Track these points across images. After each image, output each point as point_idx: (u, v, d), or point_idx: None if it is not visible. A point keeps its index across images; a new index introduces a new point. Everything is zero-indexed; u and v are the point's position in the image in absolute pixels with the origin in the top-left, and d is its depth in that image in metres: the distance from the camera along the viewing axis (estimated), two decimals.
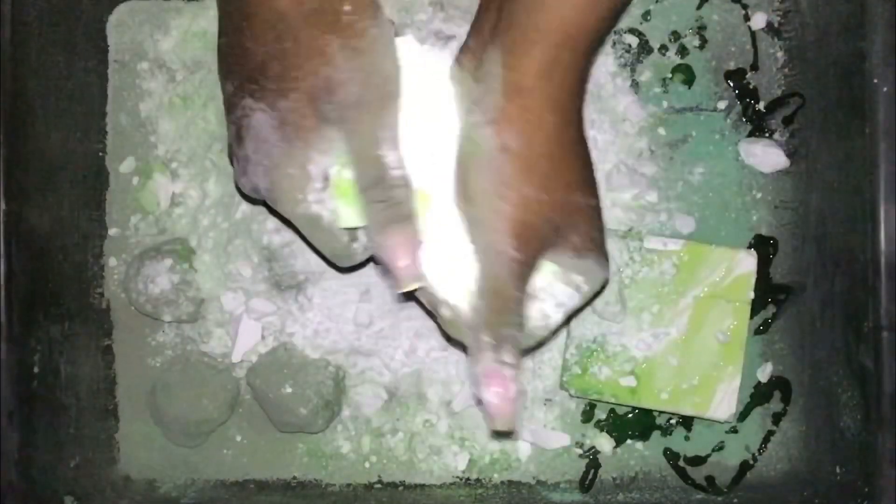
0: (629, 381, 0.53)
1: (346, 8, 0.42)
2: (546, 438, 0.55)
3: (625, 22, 0.56)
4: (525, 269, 0.42)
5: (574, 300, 0.45)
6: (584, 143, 0.44)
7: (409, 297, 0.48)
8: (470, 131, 0.43)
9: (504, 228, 0.41)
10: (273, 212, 0.51)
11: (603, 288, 0.48)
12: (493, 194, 0.41)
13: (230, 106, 0.45)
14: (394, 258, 0.42)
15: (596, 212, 0.44)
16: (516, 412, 0.42)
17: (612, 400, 0.53)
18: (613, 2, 0.42)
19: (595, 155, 0.54)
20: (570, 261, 0.44)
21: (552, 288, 0.44)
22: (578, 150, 0.43)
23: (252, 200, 0.54)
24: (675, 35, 0.56)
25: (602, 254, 0.44)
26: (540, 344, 0.48)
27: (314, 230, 0.45)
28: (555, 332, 0.46)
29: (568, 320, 0.47)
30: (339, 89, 0.42)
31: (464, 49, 0.45)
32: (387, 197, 0.42)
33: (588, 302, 0.47)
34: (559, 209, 0.42)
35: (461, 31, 0.55)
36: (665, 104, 0.56)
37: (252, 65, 0.43)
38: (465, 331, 0.44)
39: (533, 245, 0.42)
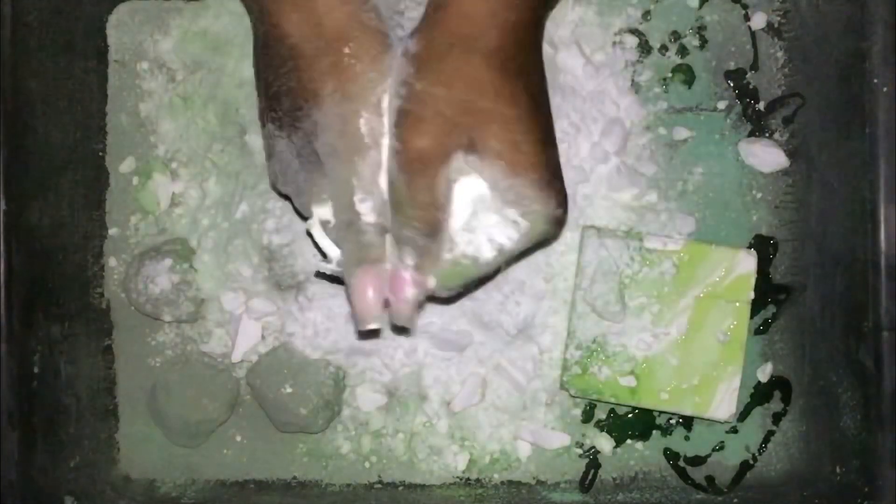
0: (629, 381, 0.52)
1: (347, 50, 0.42)
2: (546, 438, 0.55)
3: (625, 22, 0.56)
4: (420, 165, 0.41)
5: (512, 239, 0.43)
6: (527, 65, 0.43)
7: (370, 334, 0.50)
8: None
9: (398, 123, 0.42)
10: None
11: (555, 232, 0.45)
12: (394, 95, 0.42)
13: (260, 119, 0.47)
14: (355, 297, 0.43)
15: (521, 122, 0.42)
16: (413, 311, 0.43)
17: (612, 400, 0.53)
18: None
19: (595, 155, 0.54)
20: (503, 182, 0.42)
21: (484, 219, 0.43)
22: (506, 63, 0.42)
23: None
24: (675, 35, 0.56)
25: (541, 180, 0.42)
26: (478, 283, 0.46)
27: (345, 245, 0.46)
28: (493, 272, 0.45)
29: (511, 263, 0.46)
30: (321, 134, 0.43)
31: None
32: (356, 241, 0.43)
33: (537, 246, 0.45)
34: (461, 109, 0.41)
35: None
36: (665, 104, 0.56)
37: (269, 93, 0.45)
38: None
39: (426, 140, 0.41)
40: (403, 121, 0.42)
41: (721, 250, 0.52)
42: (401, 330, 0.51)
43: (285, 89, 0.44)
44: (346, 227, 0.43)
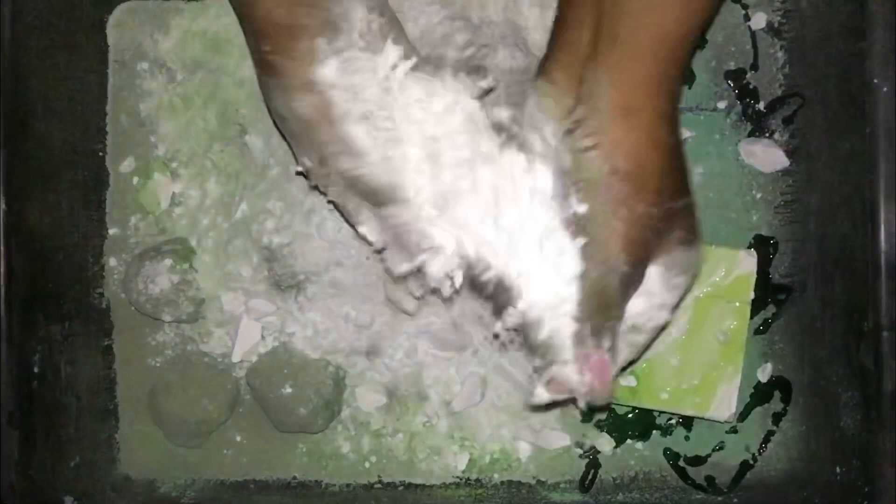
0: (629, 381, 0.52)
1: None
2: (546, 438, 0.55)
3: None
4: (633, 279, 0.43)
5: (676, 295, 0.46)
6: (680, 144, 0.44)
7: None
8: (573, 153, 0.43)
9: (619, 246, 0.42)
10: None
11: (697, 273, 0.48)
12: (608, 214, 0.42)
13: None
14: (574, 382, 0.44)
15: (695, 208, 0.45)
16: (611, 390, 0.44)
17: (612, 400, 0.53)
18: (709, 9, 0.42)
19: None
20: (667, 258, 0.44)
21: (655, 290, 0.45)
22: (678, 155, 0.44)
23: None
24: None
25: (697, 244, 0.45)
26: (646, 347, 0.48)
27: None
28: (660, 331, 0.48)
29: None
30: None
31: (553, 64, 0.44)
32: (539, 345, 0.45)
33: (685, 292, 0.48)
34: (665, 218, 0.43)
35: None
36: None
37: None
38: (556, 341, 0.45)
39: (642, 257, 0.43)
40: (629, 246, 0.42)
41: (721, 251, 0.52)
42: (595, 410, 0.54)
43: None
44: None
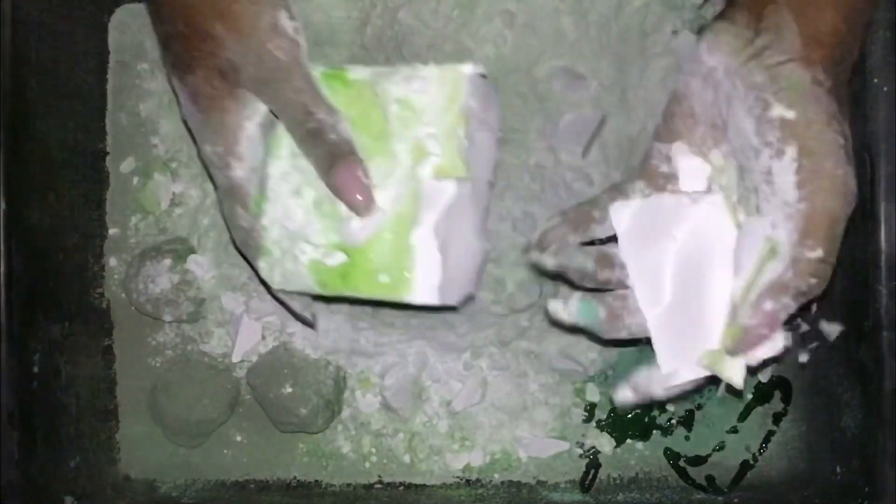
0: (337, 259, 0.45)
1: None
2: (546, 439, 0.55)
3: (624, 22, 0.56)
4: (854, 202, 0.41)
5: None
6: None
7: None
8: (767, 69, 0.41)
9: (842, 157, 0.40)
10: None
11: None
12: (823, 123, 0.40)
13: (172, 75, 0.47)
14: (346, 192, 0.43)
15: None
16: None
17: (320, 290, 0.46)
18: None
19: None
20: None
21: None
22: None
23: None
24: (676, 35, 0.55)
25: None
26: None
27: (228, 199, 0.47)
28: None
29: None
30: (241, 70, 0.44)
31: (732, 8, 0.44)
32: (327, 143, 0.43)
33: None
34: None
35: None
36: None
37: (161, 39, 0.47)
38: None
39: (853, 179, 0.41)
40: (850, 160, 0.41)
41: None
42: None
43: (173, 32, 0.45)
44: (310, 138, 0.44)
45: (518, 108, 0.52)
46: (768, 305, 0.40)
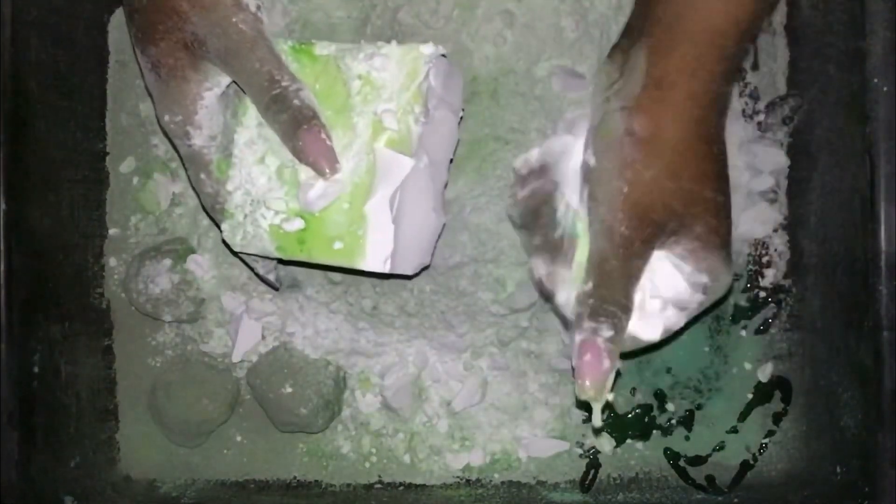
0: (295, 225, 0.46)
1: None
2: (546, 439, 0.55)
3: (623, 22, 0.56)
4: (633, 248, 0.43)
5: (696, 300, 0.45)
6: (721, 140, 0.44)
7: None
8: (605, 116, 0.44)
9: (617, 205, 0.42)
10: None
11: (727, 294, 0.47)
12: (613, 173, 0.43)
13: (139, 51, 0.49)
14: (310, 155, 0.44)
15: (724, 208, 0.44)
16: (604, 384, 0.42)
17: (279, 254, 0.47)
18: (759, 10, 0.43)
19: None
20: (691, 256, 0.44)
21: (673, 285, 0.44)
22: (713, 146, 0.44)
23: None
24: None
25: (727, 254, 0.44)
26: (656, 347, 0.47)
27: (192, 166, 0.49)
28: (674, 336, 0.46)
29: (687, 326, 0.46)
30: (205, 42, 0.45)
31: (614, 48, 0.47)
32: (291, 109, 0.44)
33: (709, 309, 0.47)
34: (682, 199, 0.42)
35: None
36: None
37: (126, 12, 0.48)
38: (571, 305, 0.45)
39: (645, 227, 0.42)
40: (628, 207, 0.42)
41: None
42: (585, 404, 0.46)
43: (137, 6, 0.46)
44: (274, 104, 0.45)
45: (518, 108, 0.52)
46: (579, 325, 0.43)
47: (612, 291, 0.43)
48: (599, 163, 0.44)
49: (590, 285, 0.43)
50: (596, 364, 0.42)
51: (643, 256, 0.43)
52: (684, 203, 0.42)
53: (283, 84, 0.45)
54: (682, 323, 0.45)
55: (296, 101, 0.45)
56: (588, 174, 0.45)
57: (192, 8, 0.45)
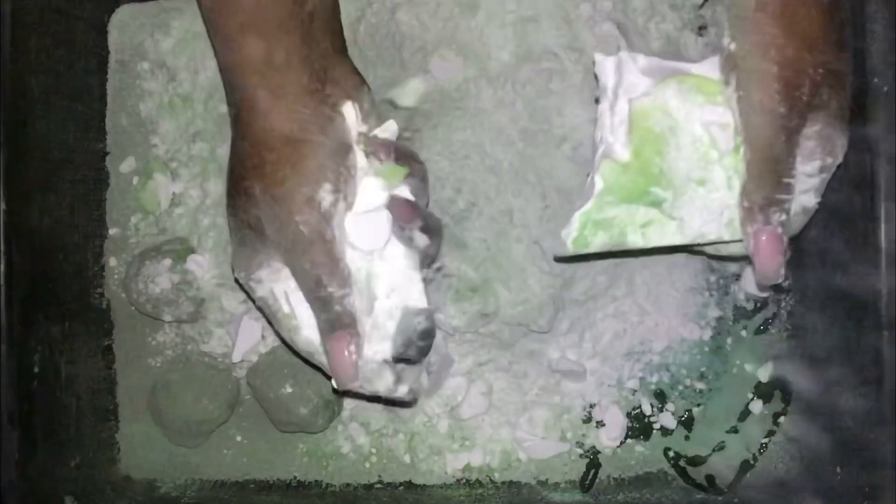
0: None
1: (271, 157, 0.44)
2: (547, 439, 0.55)
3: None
4: (792, 130, 0.43)
5: (825, 174, 0.45)
6: (843, 7, 0.44)
7: (346, 393, 0.52)
8: None
9: (773, 87, 0.42)
10: None
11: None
12: (757, 55, 0.43)
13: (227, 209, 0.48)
14: (335, 360, 0.45)
15: (848, 79, 0.44)
16: (783, 267, 0.44)
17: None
18: None
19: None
20: (823, 130, 0.44)
21: (811, 162, 0.44)
22: (837, 13, 0.43)
23: None
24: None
25: (845, 126, 0.44)
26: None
27: (265, 310, 0.48)
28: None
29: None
30: (266, 228, 0.44)
31: None
32: (329, 311, 0.44)
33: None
34: (820, 71, 0.42)
35: None
36: None
37: (229, 184, 0.47)
38: None
39: (798, 106, 0.42)
40: (782, 86, 0.42)
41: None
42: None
43: (235, 181, 0.46)
44: (317, 303, 0.45)
45: (518, 107, 0.52)
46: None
47: (780, 179, 0.43)
48: (740, 46, 0.43)
49: (755, 177, 0.43)
50: (777, 247, 0.43)
51: (798, 139, 0.43)
52: (822, 76, 0.42)
53: (329, 290, 0.44)
54: (815, 204, 0.46)
55: (337, 308, 0.44)
56: (729, 61, 0.44)
57: (262, 194, 0.44)
